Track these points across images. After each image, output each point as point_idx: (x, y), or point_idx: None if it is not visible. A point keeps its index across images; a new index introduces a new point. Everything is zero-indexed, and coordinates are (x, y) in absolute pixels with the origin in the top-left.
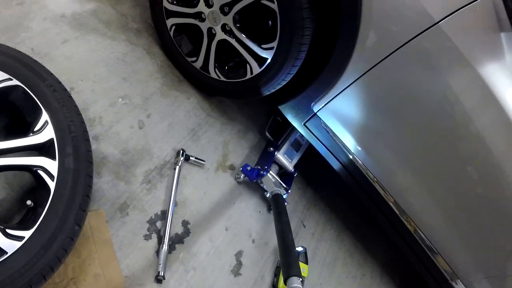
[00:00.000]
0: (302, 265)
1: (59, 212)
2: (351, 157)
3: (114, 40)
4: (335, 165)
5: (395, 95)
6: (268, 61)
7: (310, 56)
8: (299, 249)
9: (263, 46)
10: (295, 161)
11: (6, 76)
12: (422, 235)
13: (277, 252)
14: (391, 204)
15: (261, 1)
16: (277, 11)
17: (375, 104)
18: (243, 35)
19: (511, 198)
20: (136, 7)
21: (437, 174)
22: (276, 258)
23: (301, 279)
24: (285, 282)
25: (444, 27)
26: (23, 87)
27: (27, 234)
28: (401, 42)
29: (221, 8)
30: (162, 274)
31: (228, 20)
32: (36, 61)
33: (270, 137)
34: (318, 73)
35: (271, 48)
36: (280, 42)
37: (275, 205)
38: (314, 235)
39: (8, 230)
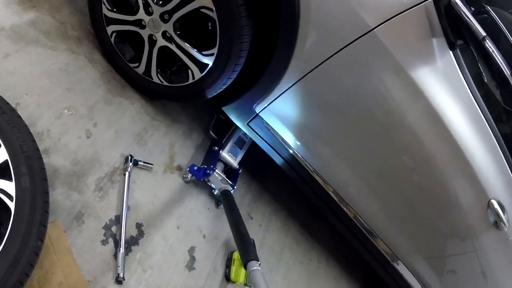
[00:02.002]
0: None
1: (22, 230)
2: (291, 152)
3: (55, 50)
4: (278, 160)
5: (332, 97)
6: (209, 66)
7: (251, 60)
8: None
9: (204, 52)
10: (239, 158)
11: None
12: (362, 221)
13: (227, 245)
14: (330, 193)
15: (200, 10)
16: (216, 19)
17: (314, 104)
18: (184, 42)
19: (442, 184)
20: (75, 13)
21: (373, 165)
22: (226, 250)
23: (259, 262)
24: (245, 267)
25: (379, 33)
26: None
27: None
28: (338, 48)
29: (161, 16)
30: (122, 276)
31: (169, 27)
32: None
33: (214, 136)
34: (259, 76)
35: (212, 54)
36: (220, 49)
37: (225, 200)
38: (261, 226)
39: None
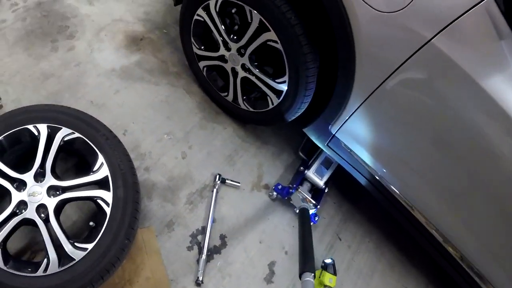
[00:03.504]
0: (329, 275)
1: (113, 229)
2: (374, 174)
3: (157, 85)
4: (362, 180)
5: (401, 117)
6: (284, 92)
7: (323, 84)
8: (328, 261)
9: (277, 80)
10: (325, 178)
11: (70, 131)
12: (470, 263)
13: None
14: (433, 231)
15: (267, 43)
16: (282, 50)
17: (388, 126)
18: (260, 72)
19: None
20: (174, 52)
21: (475, 194)
22: None
23: (313, 274)
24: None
25: (438, 43)
26: (83, 138)
27: (90, 246)
28: (395, 66)
29: (238, 51)
30: (200, 279)
31: (245, 60)
32: (92, 116)
33: (304, 156)
34: (330, 99)
35: (284, 82)
36: (290, 76)
37: (301, 216)
38: (350, 247)
39: (76, 244)
